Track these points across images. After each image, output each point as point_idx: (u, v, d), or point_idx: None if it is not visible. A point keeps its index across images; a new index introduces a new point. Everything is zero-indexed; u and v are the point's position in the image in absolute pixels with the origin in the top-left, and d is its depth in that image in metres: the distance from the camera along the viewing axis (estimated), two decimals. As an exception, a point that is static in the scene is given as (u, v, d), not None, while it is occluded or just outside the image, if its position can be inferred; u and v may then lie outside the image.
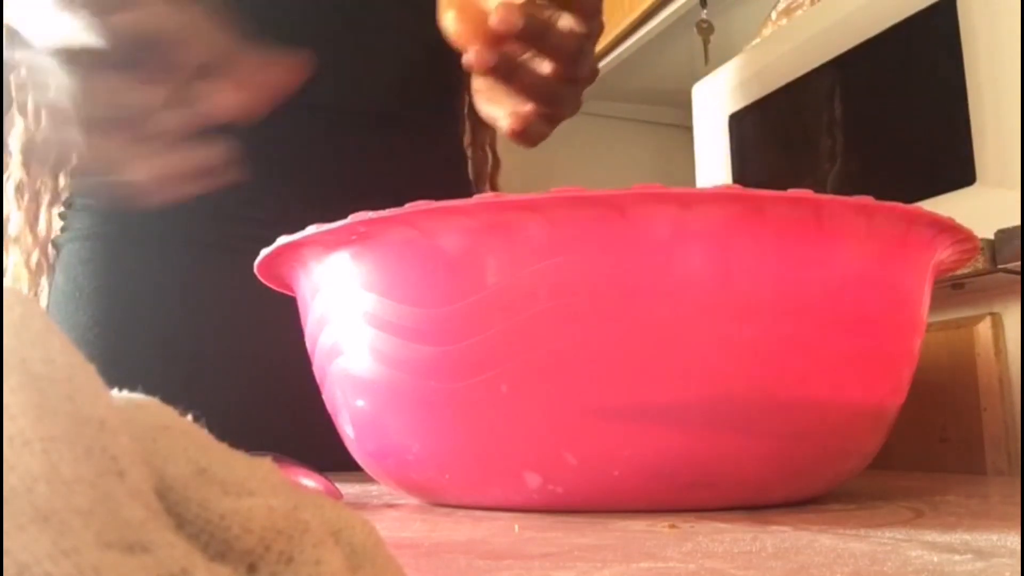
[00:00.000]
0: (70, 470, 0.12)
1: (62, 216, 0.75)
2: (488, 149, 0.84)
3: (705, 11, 1.05)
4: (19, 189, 0.77)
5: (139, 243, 0.69)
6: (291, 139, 0.69)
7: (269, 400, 0.67)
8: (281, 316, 0.49)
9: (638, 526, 0.31)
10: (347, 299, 0.38)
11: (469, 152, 0.84)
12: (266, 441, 0.45)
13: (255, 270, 0.44)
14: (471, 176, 0.84)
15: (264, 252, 0.41)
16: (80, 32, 0.43)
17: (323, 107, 0.70)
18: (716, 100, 0.99)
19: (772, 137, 0.92)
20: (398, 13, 0.73)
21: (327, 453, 0.45)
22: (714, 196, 0.33)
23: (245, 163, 0.70)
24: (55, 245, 0.75)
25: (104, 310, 0.68)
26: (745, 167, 0.95)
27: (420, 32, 0.69)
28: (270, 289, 0.47)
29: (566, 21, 0.48)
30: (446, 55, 0.60)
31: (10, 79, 0.73)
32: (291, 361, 0.50)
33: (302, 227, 0.38)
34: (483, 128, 0.84)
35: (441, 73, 0.76)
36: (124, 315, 0.68)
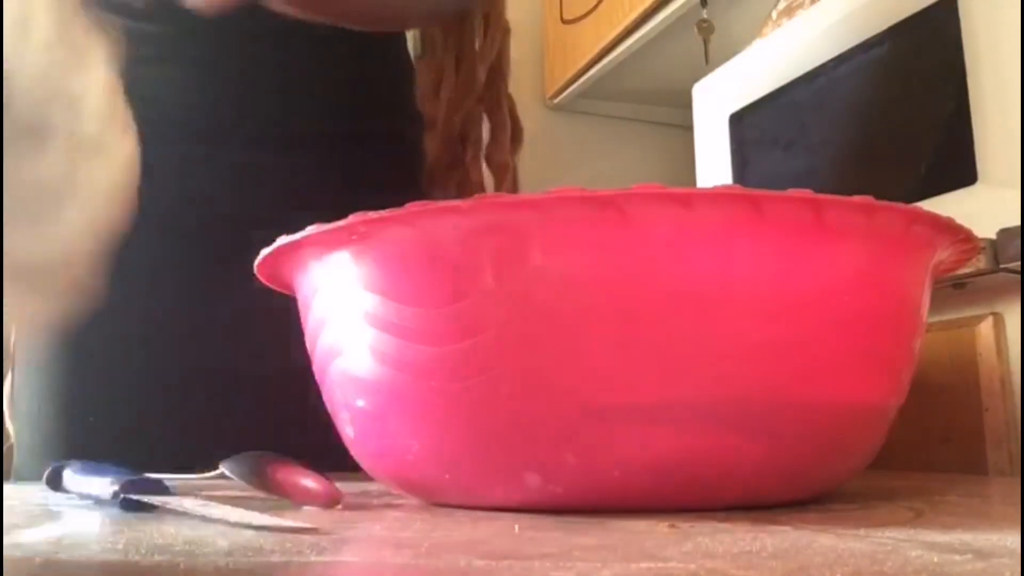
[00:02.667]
0: None
1: None
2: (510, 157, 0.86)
3: (705, 11, 1.05)
4: None
5: (142, 238, 0.70)
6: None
7: (269, 400, 0.67)
8: (281, 316, 0.49)
9: (638, 526, 0.31)
10: (347, 299, 0.38)
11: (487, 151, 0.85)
12: (266, 441, 0.46)
13: (255, 270, 0.44)
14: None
15: (264, 252, 0.41)
16: None
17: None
18: (716, 100, 0.99)
19: (772, 137, 0.92)
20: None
21: (327, 453, 0.45)
22: (714, 196, 0.33)
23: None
24: None
25: (106, 310, 0.68)
26: (745, 167, 0.95)
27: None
28: (269, 289, 0.47)
29: None
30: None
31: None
32: (291, 361, 0.50)
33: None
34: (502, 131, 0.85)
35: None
36: (127, 315, 0.68)
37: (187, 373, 0.67)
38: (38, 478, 0.49)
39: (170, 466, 0.47)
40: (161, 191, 0.66)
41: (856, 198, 0.34)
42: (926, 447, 0.73)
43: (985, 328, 0.71)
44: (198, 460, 0.44)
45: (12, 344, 0.73)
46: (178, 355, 0.67)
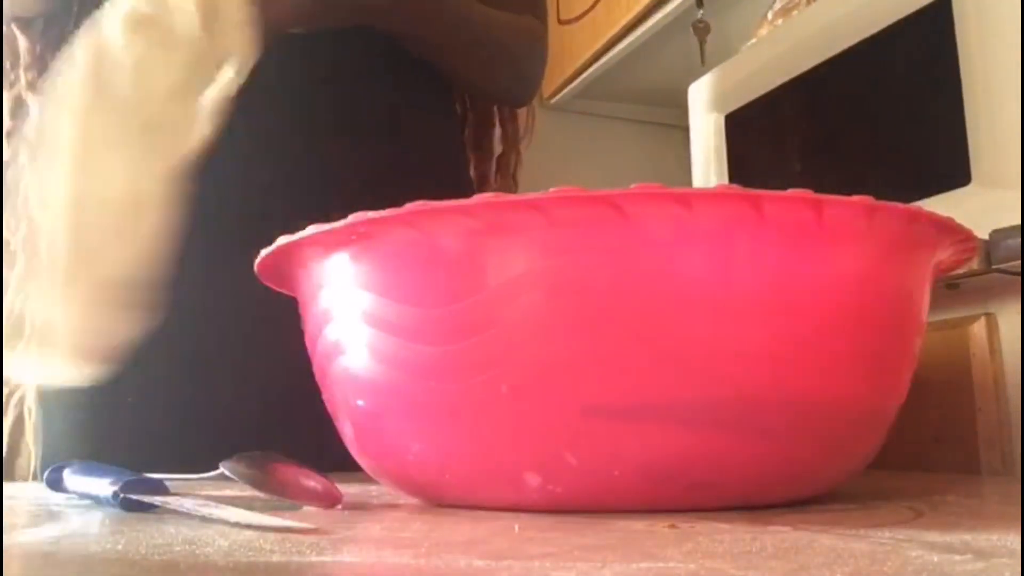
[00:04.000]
0: None
1: None
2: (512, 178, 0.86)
3: (701, 11, 1.05)
4: None
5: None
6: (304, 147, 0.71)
7: (269, 400, 0.67)
8: (281, 316, 0.49)
9: (638, 526, 0.31)
10: (347, 299, 0.38)
11: (497, 179, 0.85)
12: (266, 441, 0.45)
13: (255, 270, 0.44)
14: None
15: (264, 252, 0.41)
16: None
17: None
18: (712, 100, 0.99)
19: (768, 137, 0.92)
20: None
21: (327, 453, 0.45)
22: (714, 196, 0.33)
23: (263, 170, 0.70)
24: None
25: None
26: (741, 167, 0.95)
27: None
28: (269, 289, 0.47)
29: None
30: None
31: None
32: (291, 361, 0.50)
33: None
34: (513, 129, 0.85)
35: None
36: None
37: (190, 373, 0.67)
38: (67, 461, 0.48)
39: (172, 465, 0.47)
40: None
41: (856, 198, 0.34)
42: (919, 447, 0.73)
43: (978, 328, 0.71)
44: (199, 459, 0.44)
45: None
46: (181, 355, 0.67)
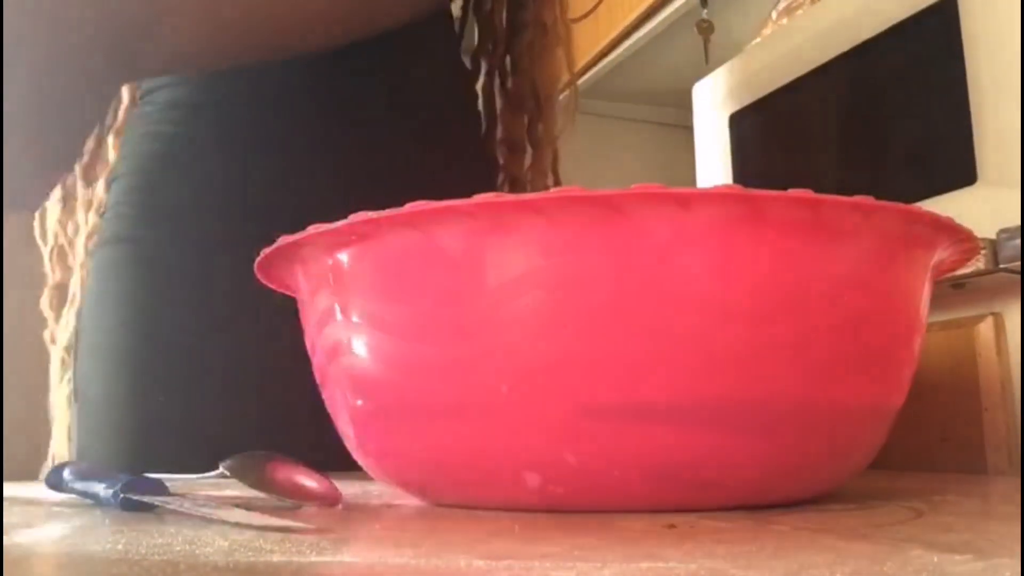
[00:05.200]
0: None
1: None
2: (551, 173, 0.86)
3: (705, 11, 1.05)
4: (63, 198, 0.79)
5: (162, 247, 0.70)
6: (331, 151, 0.71)
7: (269, 400, 0.67)
8: (281, 316, 0.49)
9: (638, 526, 0.31)
10: (347, 299, 0.38)
11: (529, 176, 0.85)
12: (267, 441, 0.46)
13: (255, 270, 0.44)
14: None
15: (264, 252, 0.41)
16: None
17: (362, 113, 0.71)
18: (716, 100, 0.99)
19: (772, 137, 0.92)
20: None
21: (327, 453, 0.45)
22: (714, 196, 0.33)
23: (283, 174, 0.71)
24: (88, 252, 0.76)
25: (130, 314, 0.69)
26: (745, 167, 0.95)
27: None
28: (270, 289, 0.47)
29: None
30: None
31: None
32: (291, 361, 0.50)
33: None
34: (546, 152, 0.85)
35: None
36: (147, 318, 0.69)
37: (192, 373, 0.67)
38: (102, 459, 0.48)
39: (172, 465, 0.47)
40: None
41: (856, 198, 0.34)
42: (925, 447, 0.73)
43: (984, 328, 0.71)
44: (200, 459, 0.44)
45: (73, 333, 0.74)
46: (185, 356, 0.68)
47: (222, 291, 0.68)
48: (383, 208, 0.35)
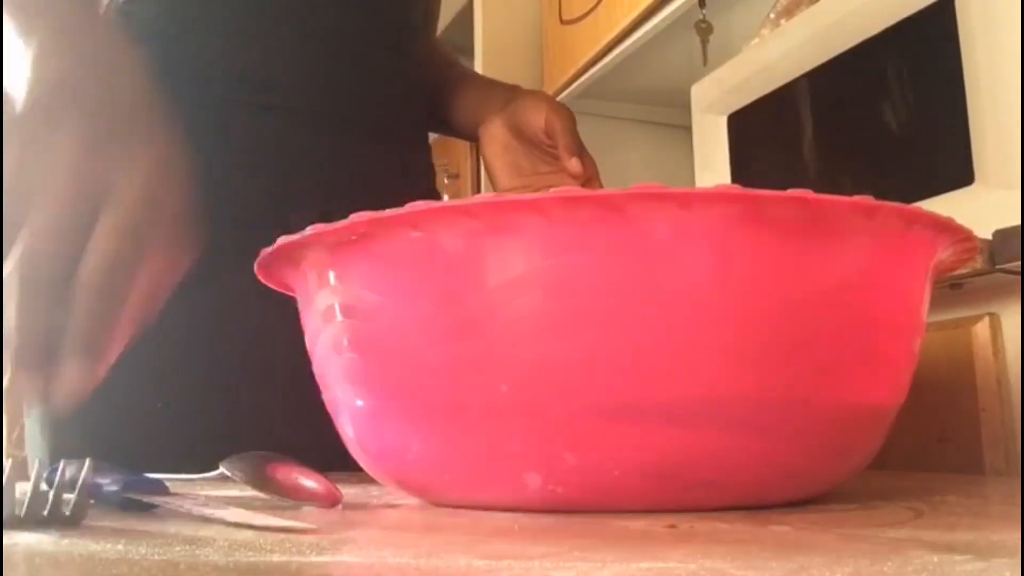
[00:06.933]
0: None
1: None
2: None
3: (704, 11, 1.05)
4: None
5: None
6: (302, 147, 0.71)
7: (269, 400, 0.67)
8: (281, 316, 0.49)
9: (638, 526, 0.31)
10: (347, 299, 0.38)
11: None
12: (267, 441, 0.46)
13: (255, 270, 0.44)
14: None
15: (264, 252, 0.41)
16: None
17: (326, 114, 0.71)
18: (715, 100, 0.99)
19: (771, 137, 0.92)
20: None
21: (327, 453, 0.45)
22: (714, 196, 0.33)
23: (259, 172, 0.71)
24: None
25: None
26: (744, 167, 0.95)
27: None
28: (269, 289, 0.47)
29: None
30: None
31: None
32: (291, 361, 0.50)
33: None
34: None
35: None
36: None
37: (193, 373, 0.67)
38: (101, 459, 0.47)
39: (172, 465, 0.47)
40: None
41: (856, 198, 0.34)
42: (923, 447, 0.73)
43: (981, 328, 0.71)
44: (200, 459, 0.44)
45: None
46: (186, 356, 0.67)
47: (222, 291, 0.68)
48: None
